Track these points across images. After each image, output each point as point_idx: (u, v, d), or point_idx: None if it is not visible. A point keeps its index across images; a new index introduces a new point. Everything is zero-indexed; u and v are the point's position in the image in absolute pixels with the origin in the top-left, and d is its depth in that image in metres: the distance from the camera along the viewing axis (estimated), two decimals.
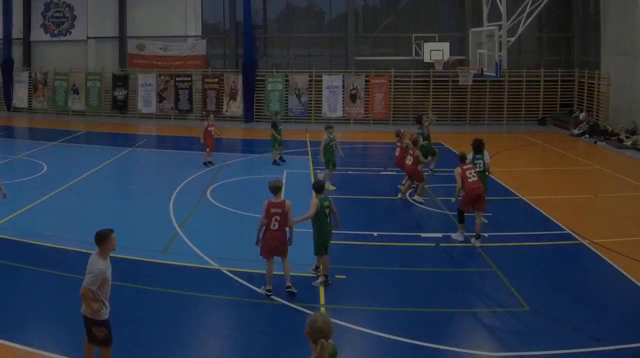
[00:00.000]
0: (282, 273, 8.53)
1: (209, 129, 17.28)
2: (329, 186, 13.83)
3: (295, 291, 8.49)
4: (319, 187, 9.10)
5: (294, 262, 8.69)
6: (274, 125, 17.64)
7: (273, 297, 8.47)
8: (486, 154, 11.98)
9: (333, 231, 9.09)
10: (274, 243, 8.38)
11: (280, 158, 17.97)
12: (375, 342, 7.37)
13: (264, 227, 8.42)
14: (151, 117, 28.29)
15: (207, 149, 17.26)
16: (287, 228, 8.44)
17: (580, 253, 10.48)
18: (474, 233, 10.74)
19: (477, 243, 10.53)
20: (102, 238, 6.12)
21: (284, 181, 15.10)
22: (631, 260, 9.84)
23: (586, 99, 25.10)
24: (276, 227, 8.36)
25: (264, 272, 8.57)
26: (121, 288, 8.72)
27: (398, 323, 7.77)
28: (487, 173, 11.82)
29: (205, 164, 17.18)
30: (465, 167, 10.84)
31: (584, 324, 7.64)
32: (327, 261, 8.93)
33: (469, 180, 10.64)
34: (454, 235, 11.00)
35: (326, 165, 14.78)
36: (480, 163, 11.58)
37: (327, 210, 8.85)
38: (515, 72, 26.33)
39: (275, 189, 8.49)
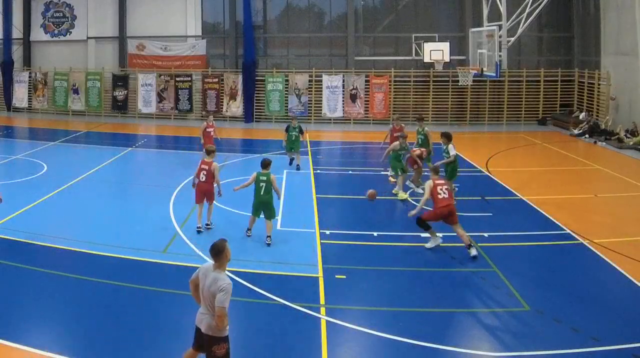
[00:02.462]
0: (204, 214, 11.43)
1: (208, 129, 17.15)
2: (402, 194, 13.83)
3: (201, 230, 11.20)
4: (264, 164, 10.82)
5: (293, 262, 8.67)
6: (286, 129, 17.57)
7: (273, 296, 8.50)
8: (451, 146, 13.23)
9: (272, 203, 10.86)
10: (202, 191, 11.25)
11: (291, 161, 17.57)
12: (375, 342, 7.37)
13: (197, 179, 11.33)
14: (151, 117, 28.29)
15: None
16: (215, 184, 11.19)
17: (580, 253, 10.48)
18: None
19: (474, 252, 10.09)
20: (222, 250, 5.83)
21: (283, 181, 15.18)
22: (631, 260, 9.84)
23: (586, 99, 25.11)
24: (204, 179, 11.23)
25: (264, 271, 8.77)
26: (121, 289, 8.76)
27: (398, 323, 7.77)
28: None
29: None
30: (437, 181, 10.42)
31: (584, 324, 7.64)
32: (254, 220, 10.95)
33: (439, 196, 10.25)
34: (427, 245, 10.55)
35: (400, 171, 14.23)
36: (447, 155, 13.26)
37: (262, 184, 10.60)
38: (515, 72, 26.35)
39: (208, 152, 11.50)
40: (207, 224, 11.43)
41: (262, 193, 10.63)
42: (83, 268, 9.50)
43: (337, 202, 13.69)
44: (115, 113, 28.83)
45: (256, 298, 8.48)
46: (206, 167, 11.21)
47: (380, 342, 7.33)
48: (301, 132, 17.49)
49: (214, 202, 11.49)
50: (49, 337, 7.31)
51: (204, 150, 11.93)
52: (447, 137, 13.35)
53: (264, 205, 10.70)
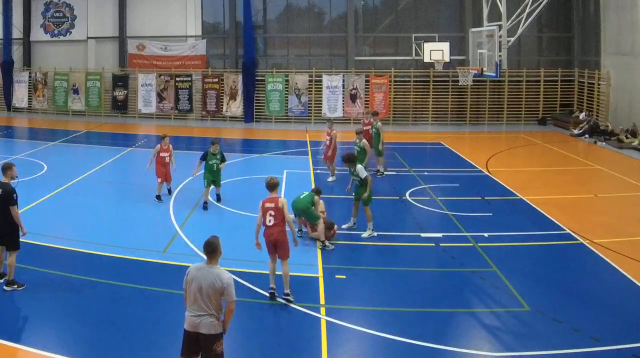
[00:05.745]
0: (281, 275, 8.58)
1: (162, 154, 13.70)
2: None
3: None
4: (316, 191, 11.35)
5: (293, 262, 8.70)
6: (203, 157, 13.35)
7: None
8: (359, 167, 11.17)
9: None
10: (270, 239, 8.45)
11: (205, 204, 13.04)
12: (375, 341, 7.37)
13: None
14: (151, 117, 28.29)
15: (159, 179, 13.65)
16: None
17: (580, 253, 10.48)
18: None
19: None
20: (217, 247, 5.84)
21: (283, 181, 15.17)
22: (631, 260, 9.84)
23: (586, 99, 25.11)
24: (272, 223, 8.31)
25: (264, 271, 8.76)
26: (121, 288, 8.76)
27: (398, 323, 7.77)
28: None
29: (157, 197, 13.58)
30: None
31: (584, 324, 7.64)
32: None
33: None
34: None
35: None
36: (356, 178, 11.21)
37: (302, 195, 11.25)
38: (515, 72, 26.34)
39: (270, 186, 8.65)
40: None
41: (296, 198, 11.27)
42: (83, 268, 9.49)
43: (337, 202, 13.67)
44: (115, 113, 28.81)
45: (256, 298, 8.48)
46: (272, 205, 8.46)
47: (380, 342, 7.33)
48: (223, 160, 13.39)
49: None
50: (49, 337, 7.30)
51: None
52: (351, 161, 11.26)
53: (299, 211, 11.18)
